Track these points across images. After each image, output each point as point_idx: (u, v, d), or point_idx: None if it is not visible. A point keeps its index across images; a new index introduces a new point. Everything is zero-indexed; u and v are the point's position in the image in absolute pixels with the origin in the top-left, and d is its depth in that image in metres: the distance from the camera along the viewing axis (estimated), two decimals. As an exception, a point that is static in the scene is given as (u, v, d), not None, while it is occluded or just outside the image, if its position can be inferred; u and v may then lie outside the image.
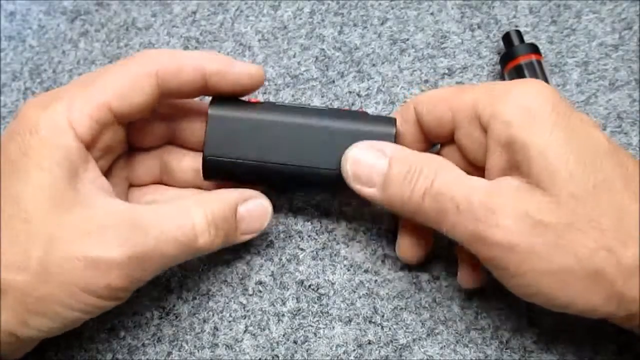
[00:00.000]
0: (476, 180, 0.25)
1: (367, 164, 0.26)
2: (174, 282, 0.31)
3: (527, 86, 0.25)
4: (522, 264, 0.23)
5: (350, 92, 0.35)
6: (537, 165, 0.23)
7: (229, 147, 0.28)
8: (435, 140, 0.29)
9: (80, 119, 0.24)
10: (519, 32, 0.34)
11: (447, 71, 0.36)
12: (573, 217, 0.22)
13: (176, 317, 0.31)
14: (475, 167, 0.27)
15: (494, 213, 0.23)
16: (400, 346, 0.29)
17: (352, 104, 0.35)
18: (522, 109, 0.24)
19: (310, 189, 0.32)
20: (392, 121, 0.28)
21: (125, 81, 0.25)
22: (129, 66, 0.26)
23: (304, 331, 0.30)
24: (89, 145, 0.25)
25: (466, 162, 0.28)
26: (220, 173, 0.28)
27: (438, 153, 0.29)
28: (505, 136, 0.24)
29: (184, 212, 0.25)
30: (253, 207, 0.28)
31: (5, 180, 0.24)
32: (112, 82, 0.25)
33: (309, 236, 0.32)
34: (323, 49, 0.37)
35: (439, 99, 0.27)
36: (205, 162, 0.28)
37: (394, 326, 0.30)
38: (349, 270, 0.31)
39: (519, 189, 0.24)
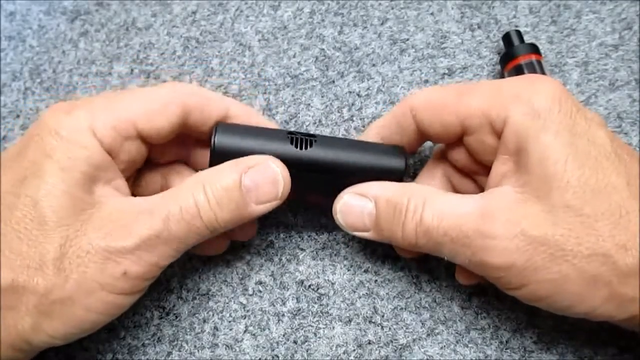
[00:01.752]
0: (468, 202, 0.25)
1: (356, 211, 0.27)
2: (174, 282, 0.31)
3: (537, 86, 0.25)
4: (522, 278, 0.23)
5: (350, 92, 0.35)
6: (536, 174, 0.23)
7: None
8: (437, 142, 0.29)
9: (102, 128, 0.25)
10: (519, 32, 0.34)
11: (447, 71, 0.36)
12: (568, 227, 0.23)
13: (176, 317, 0.31)
14: (483, 166, 0.27)
15: (488, 238, 0.23)
16: (400, 346, 0.29)
17: (352, 104, 0.35)
18: (531, 114, 0.24)
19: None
20: (402, 154, 0.28)
21: (154, 105, 0.26)
22: (158, 92, 0.27)
23: (304, 331, 0.30)
24: (109, 152, 0.25)
25: (473, 161, 0.28)
26: None
27: (444, 152, 0.29)
28: (515, 141, 0.24)
29: (185, 192, 0.25)
30: (258, 174, 0.26)
31: (23, 180, 0.24)
32: (140, 102, 0.26)
33: (309, 236, 0.32)
34: (323, 49, 0.37)
35: (440, 104, 0.26)
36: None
37: (394, 326, 0.30)
38: (349, 270, 0.31)
39: (515, 201, 0.24)
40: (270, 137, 0.27)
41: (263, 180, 0.26)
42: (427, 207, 0.25)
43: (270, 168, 0.26)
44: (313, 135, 0.27)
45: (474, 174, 0.28)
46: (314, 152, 0.27)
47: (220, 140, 0.26)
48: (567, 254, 0.23)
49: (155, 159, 0.29)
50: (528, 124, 0.24)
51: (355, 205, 0.27)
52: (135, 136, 0.26)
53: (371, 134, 0.29)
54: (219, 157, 0.26)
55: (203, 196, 0.24)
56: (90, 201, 0.24)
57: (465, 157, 0.28)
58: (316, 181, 0.27)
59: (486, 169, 0.27)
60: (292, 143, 0.27)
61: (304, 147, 0.27)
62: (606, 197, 0.23)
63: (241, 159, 0.26)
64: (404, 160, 0.27)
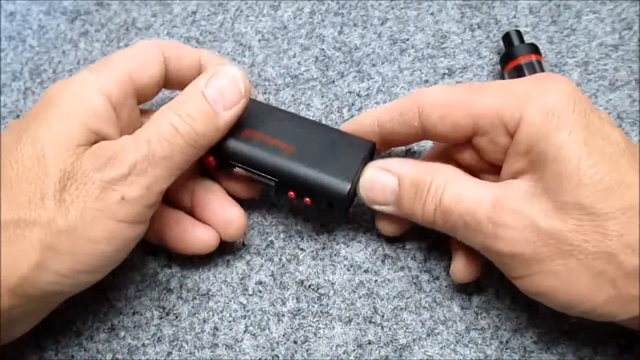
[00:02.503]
0: (483, 189, 0.25)
1: (379, 186, 0.27)
2: (174, 282, 0.31)
3: (550, 85, 0.25)
4: (528, 269, 0.24)
5: (350, 92, 0.35)
6: (550, 171, 0.23)
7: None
8: (440, 142, 0.29)
9: (107, 85, 0.26)
10: (519, 32, 0.34)
11: (447, 71, 0.36)
12: (577, 224, 0.23)
13: (176, 317, 0.31)
14: (490, 164, 0.27)
15: (500, 227, 0.24)
16: (400, 346, 0.29)
17: (352, 104, 0.35)
18: (546, 113, 0.24)
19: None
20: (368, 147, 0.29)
21: (142, 57, 0.28)
22: (138, 47, 0.29)
23: (304, 331, 0.30)
24: (114, 107, 0.27)
25: (480, 160, 0.28)
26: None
27: (451, 155, 0.29)
28: (528, 141, 0.24)
29: (158, 118, 0.26)
30: (219, 82, 0.26)
31: (26, 126, 0.25)
32: (129, 58, 0.28)
33: (309, 236, 0.32)
34: (323, 49, 0.37)
35: (452, 104, 0.26)
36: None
37: (394, 326, 0.30)
38: (349, 270, 0.31)
39: (527, 195, 0.24)
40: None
41: (223, 85, 0.26)
42: (447, 188, 0.26)
43: (223, 71, 0.27)
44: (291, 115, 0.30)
45: (480, 172, 0.28)
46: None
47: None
48: (574, 250, 0.23)
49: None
50: (543, 123, 0.24)
51: (379, 180, 0.27)
52: (133, 92, 0.28)
53: (366, 123, 0.29)
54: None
55: (176, 117, 0.25)
56: (84, 142, 0.25)
57: (472, 156, 0.28)
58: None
59: (493, 167, 0.27)
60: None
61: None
62: (619, 196, 0.23)
63: (201, 75, 0.27)
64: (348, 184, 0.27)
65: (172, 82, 0.30)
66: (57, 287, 0.24)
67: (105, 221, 0.24)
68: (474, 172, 0.28)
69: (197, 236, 0.30)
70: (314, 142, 0.28)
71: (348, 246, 0.32)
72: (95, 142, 0.25)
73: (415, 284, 0.31)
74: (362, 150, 0.28)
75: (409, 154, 0.33)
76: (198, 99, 0.26)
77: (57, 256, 0.23)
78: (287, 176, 0.28)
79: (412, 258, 0.31)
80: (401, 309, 0.30)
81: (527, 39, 0.35)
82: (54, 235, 0.23)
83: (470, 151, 0.28)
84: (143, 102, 0.29)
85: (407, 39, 0.37)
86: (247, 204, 0.33)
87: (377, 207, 0.28)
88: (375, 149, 0.29)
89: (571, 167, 0.23)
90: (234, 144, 0.28)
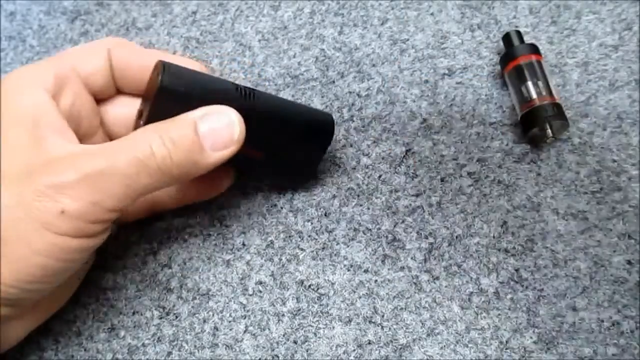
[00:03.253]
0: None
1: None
2: (174, 282, 0.31)
3: None
4: None
5: (350, 92, 0.35)
6: None
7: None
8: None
9: (44, 75, 0.26)
10: (519, 32, 0.34)
11: (447, 71, 0.36)
12: None
13: (176, 317, 0.31)
14: None
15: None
16: (400, 346, 0.29)
17: (352, 104, 0.35)
18: None
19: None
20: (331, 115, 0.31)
21: (85, 49, 0.28)
22: (83, 43, 0.30)
23: (304, 331, 0.30)
24: (53, 97, 0.26)
25: None
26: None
27: None
28: None
29: (139, 136, 0.24)
30: (214, 120, 0.25)
31: None
32: (73, 51, 0.28)
33: (309, 236, 0.32)
34: (323, 49, 0.37)
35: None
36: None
37: (394, 326, 0.30)
38: (349, 270, 0.31)
39: None
40: (217, 85, 0.27)
41: (218, 124, 0.25)
42: None
43: (224, 114, 0.26)
44: (253, 89, 0.28)
45: None
46: (258, 103, 0.27)
47: (167, 80, 0.25)
48: None
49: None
50: None
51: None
52: (76, 79, 0.27)
53: None
54: (164, 99, 0.25)
55: (157, 139, 0.24)
56: (34, 143, 0.24)
57: None
58: (255, 135, 0.27)
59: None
60: (238, 92, 0.27)
61: (249, 99, 0.27)
62: None
63: (198, 109, 0.26)
64: (332, 117, 0.31)
65: (125, 80, 0.29)
66: (8, 295, 0.23)
67: (45, 233, 0.22)
68: None
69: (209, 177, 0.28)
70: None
71: (348, 246, 0.32)
72: (41, 128, 0.24)
73: (415, 284, 0.31)
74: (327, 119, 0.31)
75: (409, 153, 0.33)
76: (187, 127, 0.25)
77: (8, 265, 0.22)
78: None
79: (412, 258, 0.31)
80: (401, 309, 0.30)
81: (527, 39, 0.35)
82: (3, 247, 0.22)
83: None
84: (102, 98, 0.29)
85: (407, 39, 0.37)
86: (247, 205, 0.33)
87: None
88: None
89: None
90: None
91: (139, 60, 0.29)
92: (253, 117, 0.27)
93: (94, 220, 0.23)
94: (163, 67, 0.25)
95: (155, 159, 0.24)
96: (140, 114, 0.28)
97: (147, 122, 0.25)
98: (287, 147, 0.30)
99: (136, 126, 0.27)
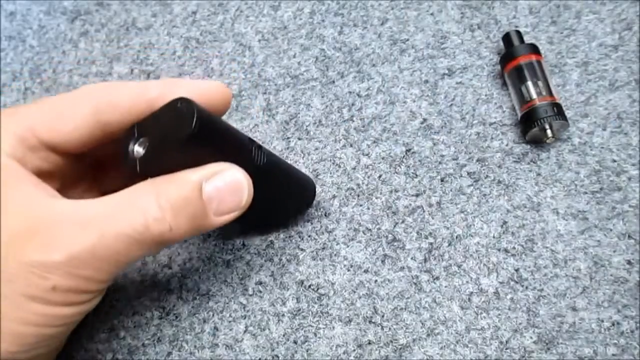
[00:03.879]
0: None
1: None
2: (174, 282, 0.31)
3: None
4: None
5: (350, 92, 0.35)
6: None
7: None
8: None
9: (5, 136, 0.22)
10: (519, 32, 0.34)
11: (447, 71, 0.36)
12: None
13: (176, 317, 0.31)
14: None
15: None
16: (400, 346, 0.29)
17: (352, 104, 0.35)
18: None
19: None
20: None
21: (55, 110, 0.23)
22: (63, 96, 0.24)
23: (304, 331, 0.30)
24: (18, 160, 0.23)
25: None
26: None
27: None
28: None
29: (132, 201, 0.22)
30: (222, 182, 0.23)
31: None
32: (42, 108, 0.23)
33: (309, 236, 0.32)
34: (323, 49, 0.37)
35: None
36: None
37: (394, 326, 0.30)
38: (349, 270, 0.31)
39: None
40: (235, 137, 0.24)
41: (226, 188, 0.23)
42: None
43: (234, 177, 0.23)
44: (262, 147, 0.25)
45: None
46: (265, 163, 0.25)
47: (198, 127, 0.21)
48: None
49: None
50: None
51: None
52: (40, 147, 0.23)
53: None
54: (187, 146, 0.21)
55: (154, 206, 0.22)
56: (11, 205, 0.21)
57: None
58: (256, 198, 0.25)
59: None
60: (251, 149, 0.25)
61: (258, 158, 0.25)
62: None
63: (204, 166, 0.23)
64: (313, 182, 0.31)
65: (117, 127, 0.24)
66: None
67: (36, 306, 0.21)
68: None
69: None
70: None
71: (348, 246, 0.32)
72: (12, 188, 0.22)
73: (415, 284, 0.31)
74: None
75: (409, 153, 0.33)
76: (192, 191, 0.22)
77: None
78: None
79: (412, 258, 0.31)
80: (401, 309, 0.30)
81: (527, 39, 0.35)
82: None
83: None
84: (77, 151, 0.24)
85: (407, 39, 0.37)
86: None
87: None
88: None
89: None
90: None
91: (126, 100, 0.24)
92: (258, 175, 0.24)
93: (86, 291, 0.22)
94: (195, 111, 0.21)
95: (151, 235, 0.22)
96: (131, 154, 0.23)
97: (147, 168, 0.22)
98: (277, 204, 0.30)
99: (129, 171, 0.23)
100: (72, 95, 0.24)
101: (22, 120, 0.23)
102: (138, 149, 0.23)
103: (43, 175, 0.23)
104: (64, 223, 0.21)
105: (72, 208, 0.22)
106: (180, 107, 0.22)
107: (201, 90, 0.24)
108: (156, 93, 0.24)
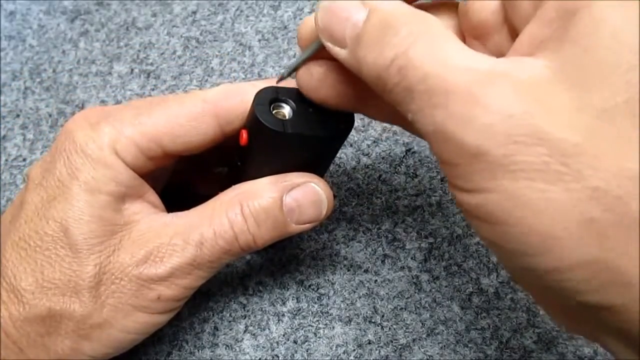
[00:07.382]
0: (473, 57, 0.17)
1: (343, 15, 0.19)
2: (174, 282, 0.31)
3: None
4: (487, 177, 0.16)
5: (350, 92, 0.35)
6: (580, 48, 0.15)
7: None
8: None
9: (126, 146, 0.24)
10: (519, 33, 0.34)
11: (447, 71, 0.36)
12: (592, 139, 0.15)
13: (176, 317, 0.31)
14: (512, 29, 0.20)
15: (479, 106, 0.16)
16: (400, 346, 0.29)
17: (352, 104, 0.35)
18: None
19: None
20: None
21: (181, 120, 0.24)
22: (188, 105, 0.24)
23: (304, 331, 0.30)
24: (135, 170, 0.24)
25: (500, 21, 0.20)
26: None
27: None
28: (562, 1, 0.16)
29: (220, 211, 0.24)
30: (301, 194, 0.24)
31: (52, 201, 0.23)
32: (168, 118, 0.24)
33: (309, 236, 0.32)
34: (323, 49, 0.37)
35: None
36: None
37: (394, 326, 0.30)
38: (349, 270, 0.31)
39: (537, 78, 0.16)
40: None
41: (306, 200, 0.24)
42: (423, 38, 0.17)
43: (314, 189, 0.24)
44: None
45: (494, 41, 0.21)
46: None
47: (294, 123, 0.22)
48: (569, 174, 0.15)
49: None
50: None
51: (346, 7, 0.19)
52: (162, 155, 0.25)
53: None
54: (287, 141, 0.22)
55: (240, 218, 0.24)
56: (120, 222, 0.24)
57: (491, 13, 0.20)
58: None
59: (512, 34, 0.20)
60: None
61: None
62: None
63: (281, 176, 0.24)
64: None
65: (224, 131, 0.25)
66: None
67: (139, 315, 0.24)
68: (483, 36, 0.21)
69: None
70: None
71: (348, 246, 0.32)
72: (126, 195, 0.24)
73: (415, 284, 0.31)
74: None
75: (409, 153, 0.33)
76: (274, 204, 0.24)
77: (90, 343, 0.23)
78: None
79: (412, 258, 0.31)
80: (401, 309, 0.30)
81: (527, 39, 0.35)
82: (88, 328, 0.23)
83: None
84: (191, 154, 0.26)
85: (407, 39, 0.37)
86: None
87: (330, 45, 0.20)
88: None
89: (612, 45, 0.15)
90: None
91: (238, 112, 0.25)
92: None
93: (183, 298, 0.25)
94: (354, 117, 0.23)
95: (238, 244, 0.24)
96: (275, 115, 0.23)
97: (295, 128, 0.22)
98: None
99: (270, 134, 0.22)
100: (190, 102, 0.24)
101: (148, 130, 0.24)
102: (285, 111, 0.24)
103: (147, 176, 0.25)
104: (166, 237, 0.23)
105: (172, 221, 0.24)
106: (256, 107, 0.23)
107: None
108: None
